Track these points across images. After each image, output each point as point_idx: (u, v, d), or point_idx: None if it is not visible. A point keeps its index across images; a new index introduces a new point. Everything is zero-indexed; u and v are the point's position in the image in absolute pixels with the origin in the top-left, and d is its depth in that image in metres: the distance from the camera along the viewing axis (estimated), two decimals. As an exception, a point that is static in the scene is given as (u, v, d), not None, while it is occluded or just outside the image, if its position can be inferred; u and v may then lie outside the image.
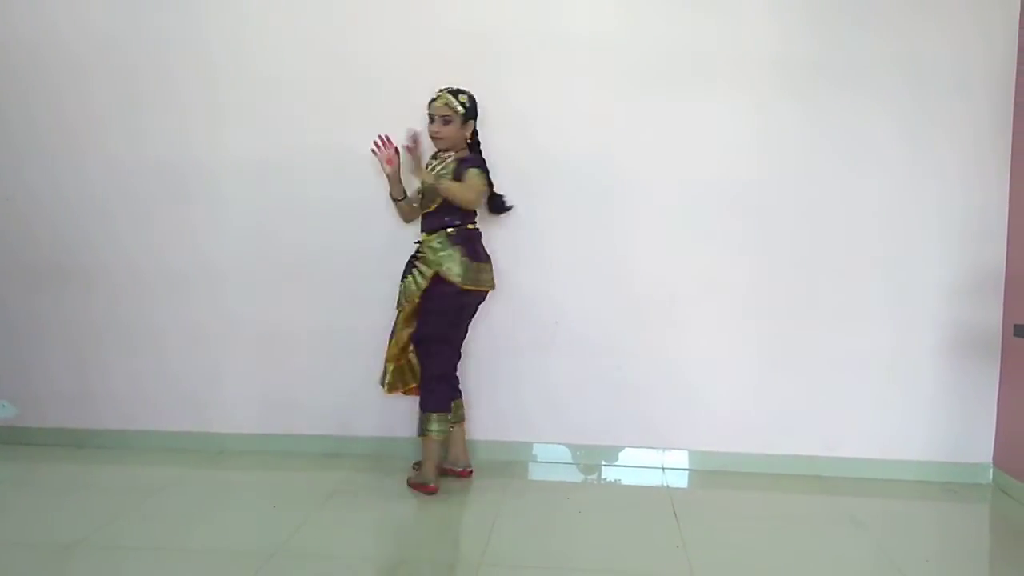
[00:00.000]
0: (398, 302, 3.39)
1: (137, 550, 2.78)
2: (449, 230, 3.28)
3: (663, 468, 3.70)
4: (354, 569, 2.65)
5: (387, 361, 3.44)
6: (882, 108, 3.52)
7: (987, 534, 3.27)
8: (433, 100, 3.31)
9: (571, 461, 3.75)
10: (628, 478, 3.63)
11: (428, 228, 3.34)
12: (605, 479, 3.64)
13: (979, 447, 3.57)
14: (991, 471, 3.56)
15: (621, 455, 3.74)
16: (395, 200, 3.50)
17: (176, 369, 3.91)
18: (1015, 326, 2.96)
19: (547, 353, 3.70)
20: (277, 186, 3.78)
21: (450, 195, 3.21)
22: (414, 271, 3.31)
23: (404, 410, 3.77)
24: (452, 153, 3.35)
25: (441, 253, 3.25)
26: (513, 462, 3.71)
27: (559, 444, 3.76)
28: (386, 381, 3.44)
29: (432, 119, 3.31)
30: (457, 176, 3.26)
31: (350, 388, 3.81)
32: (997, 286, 3.52)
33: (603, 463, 3.73)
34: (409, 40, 3.68)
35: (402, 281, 3.37)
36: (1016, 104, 3.46)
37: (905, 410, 3.60)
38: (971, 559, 2.95)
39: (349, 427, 3.84)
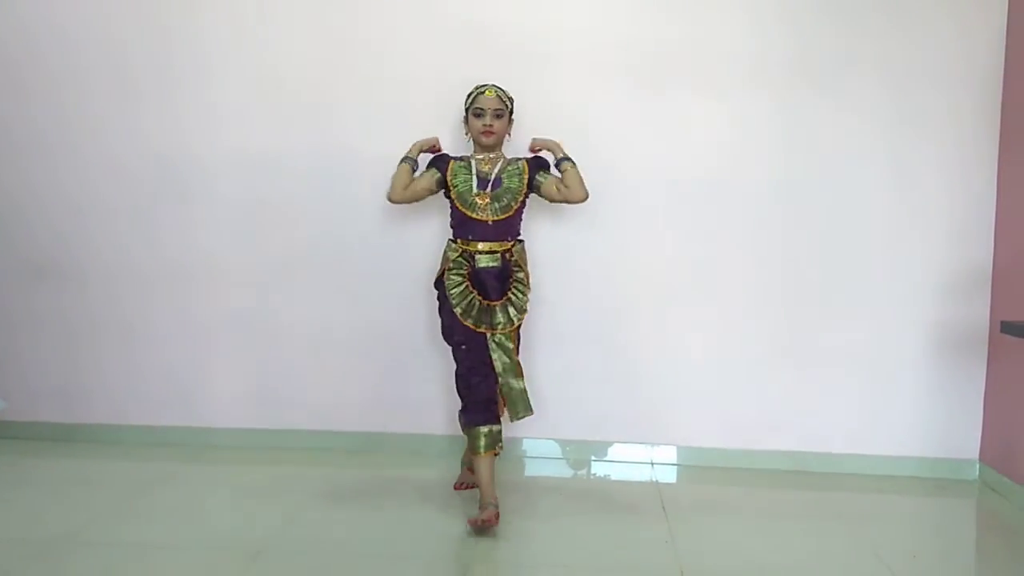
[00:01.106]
0: (495, 323, 3.04)
1: (127, 545, 2.78)
2: (523, 240, 3.20)
3: (652, 463, 3.71)
4: (344, 564, 2.65)
5: (513, 388, 3.06)
6: (871, 106, 3.53)
7: (973, 530, 3.30)
8: (480, 93, 3.08)
9: (560, 456, 3.76)
10: (617, 473, 3.64)
11: (509, 237, 3.11)
12: (594, 474, 3.65)
13: (966, 443, 3.59)
14: (978, 467, 3.57)
15: (610, 450, 3.75)
16: (410, 160, 3.16)
17: (167, 364, 3.90)
18: (1002, 323, 2.97)
19: (536, 349, 3.70)
20: (271, 182, 3.77)
21: (575, 186, 3.09)
22: (517, 287, 3.09)
23: (393, 406, 3.78)
24: (499, 153, 3.17)
25: (524, 266, 3.16)
26: (502, 457, 3.70)
27: (548, 439, 3.77)
28: (527, 408, 3.10)
29: (481, 113, 3.07)
30: (533, 176, 3.12)
31: (341, 384, 3.82)
32: (984, 283, 3.53)
33: (592, 458, 3.73)
34: (406, 36, 3.68)
35: (489, 299, 3.04)
36: (1004, 102, 3.48)
37: (892, 406, 3.62)
38: (958, 554, 2.98)
39: (340, 423, 3.83)
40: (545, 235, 3.65)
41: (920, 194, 3.54)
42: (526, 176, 3.12)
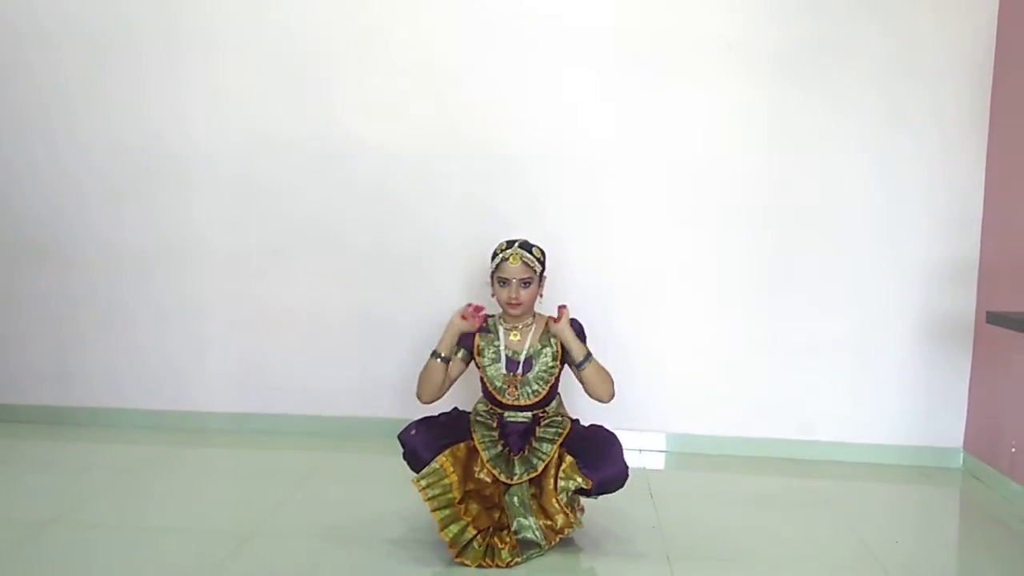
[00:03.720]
0: (513, 474, 2.64)
1: (113, 528, 2.77)
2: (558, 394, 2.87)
3: (640, 450, 3.73)
4: (332, 547, 2.66)
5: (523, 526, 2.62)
6: (860, 98, 3.54)
7: (957, 517, 3.34)
8: (503, 260, 2.70)
9: (549, 443, 3.77)
10: (605, 460, 3.65)
11: (541, 406, 2.80)
12: (583, 461, 3.66)
13: (950, 432, 3.63)
14: (962, 455, 3.61)
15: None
16: (441, 357, 2.75)
17: (154, 347, 3.90)
18: (987, 313, 2.99)
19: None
20: (266, 165, 3.77)
21: (593, 383, 2.74)
22: (542, 445, 2.68)
23: (382, 389, 3.79)
24: (530, 320, 2.81)
25: (565, 416, 2.84)
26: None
27: (537, 426, 3.78)
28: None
29: (505, 283, 2.71)
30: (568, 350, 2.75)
31: (328, 367, 3.83)
32: (970, 274, 3.56)
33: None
34: (402, 21, 3.67)
35: (511, 450, 2.71)
36: (994, 93, 3.49)
37: (878, 395, 3.65)
38: (941, 541, 3.02)
39: (328, 406, 3.84)
40: (532, 223, 3.65)
41: (908, 185, 3.56)
42: (559, 351, 2.78)
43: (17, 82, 3.84)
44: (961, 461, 3.61)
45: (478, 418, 2.79)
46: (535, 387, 2.77)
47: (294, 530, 2.78)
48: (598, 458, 2.65)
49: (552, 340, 2.78)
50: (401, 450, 2.70)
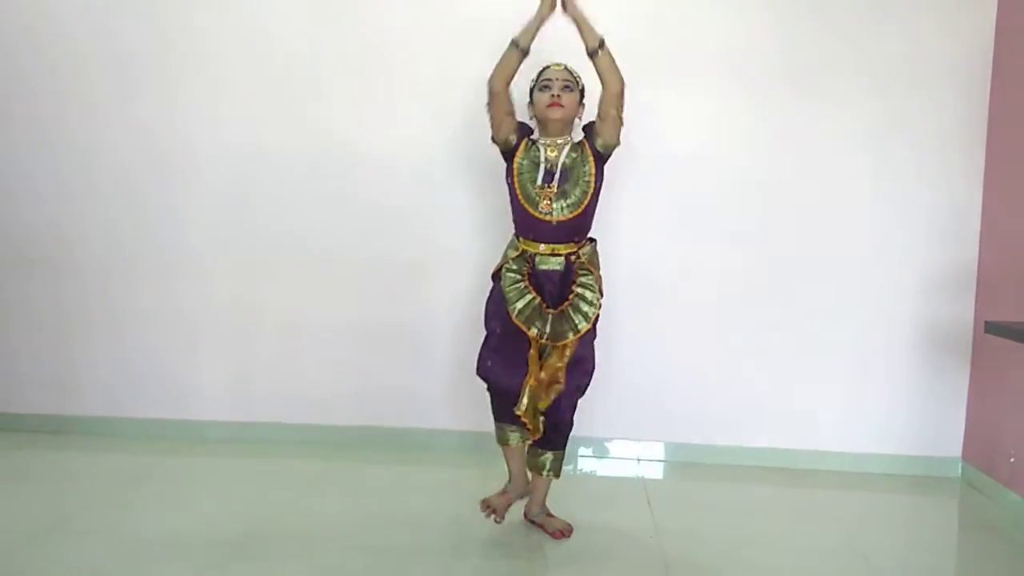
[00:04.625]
0: (547, 334, 2.68)
1: (109, 538, 2.77)
2: (594, 240, 2.84)
3: (638, 459, 3.73)
4: (331, 556, 2.66)
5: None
6: (858, 107, 3.55)
7: (955, 527, 3.34)
8: (546, 67, 2.73)
9: (548, 452, 3.77)
10: (604, 469, 3.66)
11: (576, 237, 2.75)
12: (581, 470, 3.66)
13: (948, 442, 3.63)
14: (960, 465, 3.61)
15: (597, 446, 3.76)
16: (518, 47, 2.67)
17: (155, 356, 3.90)
18: (986, 323, 2.99)
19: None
20: (264, 175, 3.77)
21: (606, 75, 2.66)
22: (582, 303, 2.70)
23: (382, 399, 3.79)
24: (567, 138, 2.76)
25: (596, 270, 2.79)
26: (489, 452, 3.71)
27: (536, 435, 3.77)
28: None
29: (549, 85, 2.69)
30: (592, 141, 2.74)
31: (329, 377, 3.83)
32: (969, 283, 3.56)
33: (579, 454, 3.74)
34: (402, 33, 3.67)
35: (546, 305, 2.70)
36: (992, 104, 3.50)
37: (877, 404, 3.65)
38: (938, 551, 3.01)
39: (329, 416, 3.84)
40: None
41: (906, 194, 3.57)
42: (591, 155, 2.72)
43: (11, 92, 3.84)
44: (959, 471, 3.61)
45: (509, 264, 2.75)
46: (573, 198, 2.69)
47: (292, 539, 2.78)
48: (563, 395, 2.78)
49: (588, 157, 2.72)
50: (485, 386, 2.84)
